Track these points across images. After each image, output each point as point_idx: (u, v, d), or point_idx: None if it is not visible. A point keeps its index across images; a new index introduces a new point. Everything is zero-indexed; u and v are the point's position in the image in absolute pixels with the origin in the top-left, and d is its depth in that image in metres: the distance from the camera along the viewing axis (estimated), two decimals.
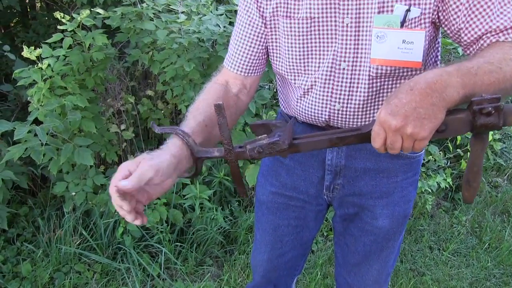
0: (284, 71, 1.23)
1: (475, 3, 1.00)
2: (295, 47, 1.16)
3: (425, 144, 0.86)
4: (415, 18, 1.04)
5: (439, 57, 1.22)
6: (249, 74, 1.27)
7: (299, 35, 1.15)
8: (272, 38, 1.22)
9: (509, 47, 0.96)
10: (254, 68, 1.26)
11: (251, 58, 1.25)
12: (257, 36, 1.22)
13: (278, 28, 1.18)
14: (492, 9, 1.00)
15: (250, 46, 1.23)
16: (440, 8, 1.05)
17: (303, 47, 1.16)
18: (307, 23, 1.13)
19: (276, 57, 1.24)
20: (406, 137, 0.85)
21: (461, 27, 1.04)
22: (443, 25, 1.08)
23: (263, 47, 1.24)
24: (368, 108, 1.17)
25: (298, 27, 1.14)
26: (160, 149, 0.98)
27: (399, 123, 0.83)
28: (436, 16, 1.06)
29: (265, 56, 1.26)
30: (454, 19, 1.04)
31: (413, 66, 1.07)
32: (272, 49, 1.24)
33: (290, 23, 1.14)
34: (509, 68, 0.90)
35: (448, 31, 1.08)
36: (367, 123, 1.19)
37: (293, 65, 1.20)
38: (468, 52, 1.07)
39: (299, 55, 1.17)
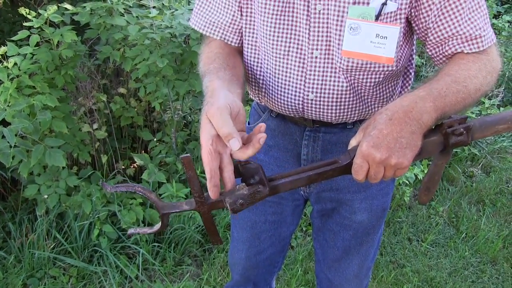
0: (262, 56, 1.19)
1: (446, 5, 1.01)
2: (267, 26, 1.12)
3: (406, 171, 0.88)
4: (391, 12, 1.02)
5: (414, 50, 1.21)
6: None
7: (271, 14, 1.10)
8: (248, 23, 1.17)
9: (472, 61, 1.00)
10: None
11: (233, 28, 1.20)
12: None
13: (254, 9, 1.14)
14: (462, 14, 1.01)
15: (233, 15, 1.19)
16: (413, 4, 1.04)
17: (274, 28, 1.12)
18: (282, 2, 1.09)
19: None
20: (389, 168, 0.87)
21: (429, 26, 1.04)
22: (411, 21, 1.08)
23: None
24: (343, 101, 1.15)
25: (273, 6, 1.10)
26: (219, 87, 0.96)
27: (384, 155, 0.84)
28: (409, 11, 1.05)
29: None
30: (424, 17, 1.04)
31: (385, 62, 1.07)
32: (249, 34, 1.19)
33: (265, 2, 1.10)
34: (472, 86, 0.96)
35: (416, 28, 1.08)
36: (341, 117, 1.17)
37: (265, 47, 1.16)
38: (430, 53, 1.09)
39: (269, 35, 1.13)
